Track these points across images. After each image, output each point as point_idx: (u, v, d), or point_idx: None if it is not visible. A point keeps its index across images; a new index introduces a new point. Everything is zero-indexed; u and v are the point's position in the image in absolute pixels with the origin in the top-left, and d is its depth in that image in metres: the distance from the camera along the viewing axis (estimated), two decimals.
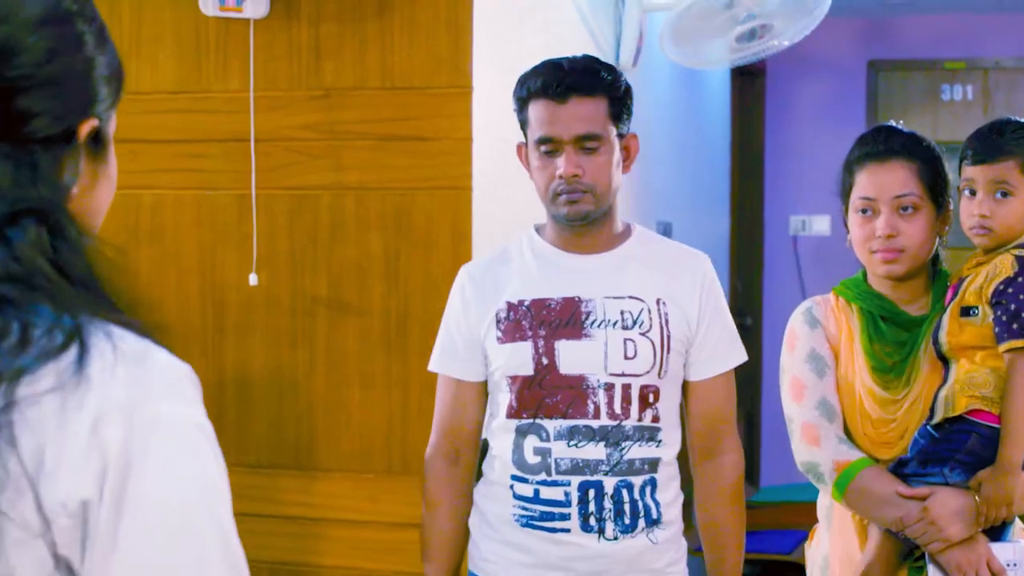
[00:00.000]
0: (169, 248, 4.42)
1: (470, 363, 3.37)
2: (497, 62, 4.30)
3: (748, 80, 9.02)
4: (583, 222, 3.27)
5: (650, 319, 3.26)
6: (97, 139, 1.52)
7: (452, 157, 4.13)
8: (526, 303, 3.29)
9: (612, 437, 3.23)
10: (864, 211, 3.30)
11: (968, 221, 3.24)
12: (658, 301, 3.28)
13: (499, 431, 3.35)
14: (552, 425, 3.24)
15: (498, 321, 3.31)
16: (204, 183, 4.37)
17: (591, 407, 3.23)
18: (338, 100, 4.25)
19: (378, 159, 4.21)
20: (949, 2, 8.80)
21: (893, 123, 3.43)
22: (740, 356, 3.41)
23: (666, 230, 6.39)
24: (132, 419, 1.35)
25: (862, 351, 3.32)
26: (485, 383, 3.39)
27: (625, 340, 3.24)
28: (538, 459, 3.26)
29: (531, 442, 3.28)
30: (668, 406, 3.30)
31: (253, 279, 4.28)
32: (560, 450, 3.24)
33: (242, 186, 4.31)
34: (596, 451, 3.23)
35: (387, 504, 4.24)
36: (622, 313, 3.26)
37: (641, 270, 3.32)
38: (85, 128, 1.50)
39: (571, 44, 5.00)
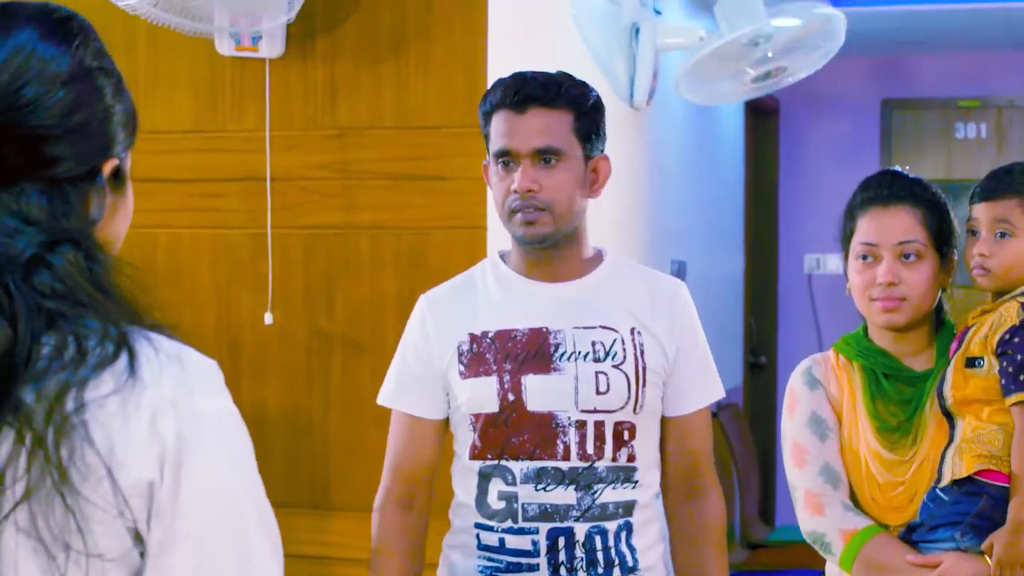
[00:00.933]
0: (185, 287, 4.43)
1: (428, 398, 3.14)
2: None
3: (762, 119, 9.02)
4: (542, 245, 3.04)
5: (624, 350, 3.04)
6: (117, 175, 1.74)
7: (467, 196, 4.14)
8: (490, 335, 3.06)
9: (583, 480, 3.00)
10: (865, 257, 3.19)
11: (970, 261, 3.16)
12: (632, 331, 3.07)
13: (462, 474, 3.12)
14: (518, 467, 3.01)
15: (460, 354, 3.07)
16: (220, 222, 4.38)
17: (560, 447, 2.99)
18: (353, 139, 4.26)
19: (393, 198, 4.22)
20: (962, 40, 8.81)
21: (899, 168, 3.36)
22: (718, 391, 3.21)
23: (680, 269, 6.39)
24: (180, 412, 1.60)
25: (865, 411, 3.18)
26: (444, 421, 3.16)
27: (597, 373, 3.02)
28: (503, 504, 3.02)
29: (496, 485, 3.04)
30: (645, 444, 3.08)
31: (268, 318, 4.28)
32: (527, 494, 3.00)
33: (257, 225, 4.32)
34: (566, 495, 2.99)
35: None
36: (593, 344, 3.03)
37: (613, 298, 3.10)
38: (107, 167, 1.72)
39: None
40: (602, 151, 3.12)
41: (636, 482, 3.06)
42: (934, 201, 3.22)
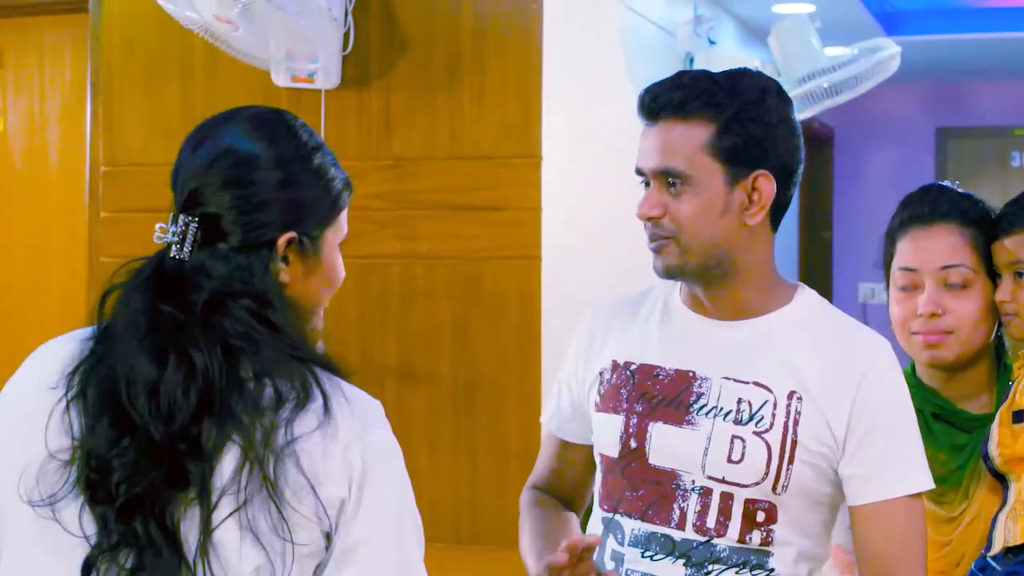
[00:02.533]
0: None
1: (575, 423, 2.75)
2: (566, 131, 4.31)
3: (816, 146, 9.01)
4: (675, 279, 2.59)
5: (773, 416, 2.49)
6: (303, 245, 2.11)
7: (521, 227, 4.14)
8: (633, 367, 2.62)
9: (696, 556, 2.51)
10: (904, 286, 2.78)
11: (1001, 307, 2.74)
12: (791, 395, 2.49)
13: (595, 517, 2.70)
14: (629, 526, 2.57)
15: (600, 382, 2.67)
16: None
17: (676, 513, 2.53)
18: (408, 169, 4.28)
19: (448, 228, 4.23)
20: (1018, 69, 8.77)
21: (947, 183, 2.96)
22: (916, 482, 2.51)
23: None
24: (364, 444, 2.03)
25: None
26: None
27: (733, 437, 2.50)
28: (612, 565, 2.59)
29: (610, 543, 2.61)
30: (794, 532, 2.51)
31: (321, 347, 4.29)
32: (632, 559, 2.56)
33: None
34: (673, 570, 2.52)
35: (456, 573, 4.22)
36: (739, 402, 2.52)
37: (780, 350, 2.54)
38: (282, 240, 2.08)
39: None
40: (769, 166, 2.53)
41: (771, 571, 2.51)
42: (985, 219, 2.80)
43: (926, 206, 2.80)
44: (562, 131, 4.28)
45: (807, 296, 2.62)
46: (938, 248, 2.75)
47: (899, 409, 2.53)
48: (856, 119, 6.48)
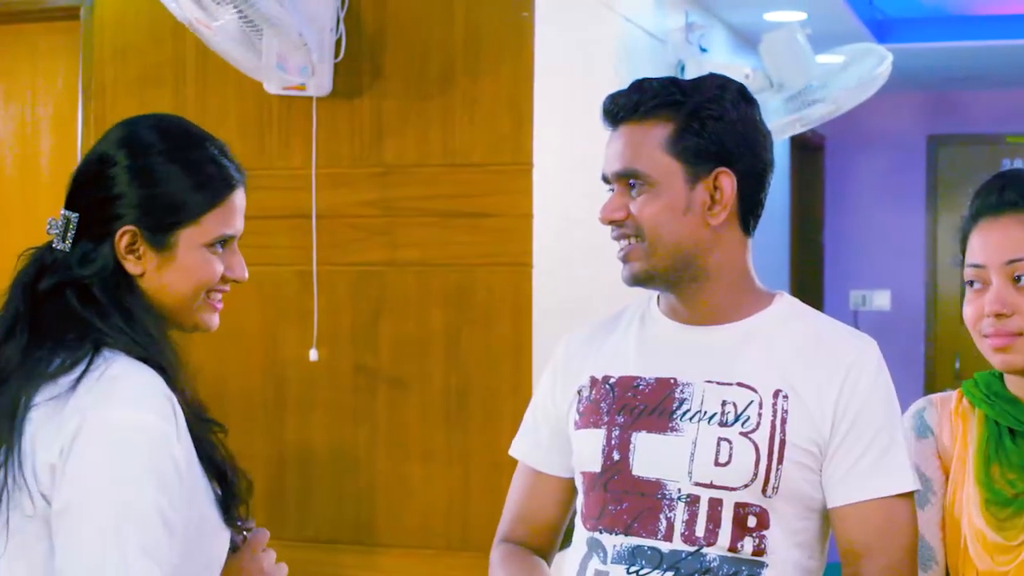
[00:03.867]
0: (231, 323, 4.44)
1: (554, 452, 2.64)
2: (558, 139, 4.32)
3: (808, 154, 9.02)
4: (643, 286, 2.53)
5: (759, 416, 2.41)
6: (151, 240, 2.24)
7: (513, 234, 4.15)
8: (612, 380, 2.54)
9: (685, 568, 2.40)
10: (972, 283, 2.49)
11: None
12: (776, 394, 2.43)
13: (576, 543, 2.57)
14: (612, 542, 2.46)
15: (579, 400, 2.58)
16: (266, 259, 4.40)
17: (663, 524, 2.42)
18: (400, 177, 4.28)
19: (439, 236, 4.23)
20: (1010, 77, 8.78)
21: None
22: (899, 482, 2.43)
23: None
24: (85, 417, 2.09)
25: (974, 475, 2.47)
26: (572, 481, 2.64)
27: (720, 440, 2.41)
28: None
29: (593, 563, 2.49)
30: (786, 538, 2.42)
31: (313, 354, 4.30)
32: None
33: (304, 262, 4.34)
34: None
35: None
36: (723, 404, 2.44)
37: (763, 350, 2.48)
38: (119, 235, 2.23)
39: None
40: (730, 165, 2.48)
41: None
42: None
43: (993, 195, 2.48)
44: (554, 139, 4.28)
45: (788, 301, 2.60)
46: (1005, 240, 2.44)
47: (883, 408, 2.46)
48: (847, 127, 6.49)
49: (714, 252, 2.50)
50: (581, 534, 2.53)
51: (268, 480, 4.39)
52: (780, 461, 2.40)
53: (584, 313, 4.45)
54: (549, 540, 2.70)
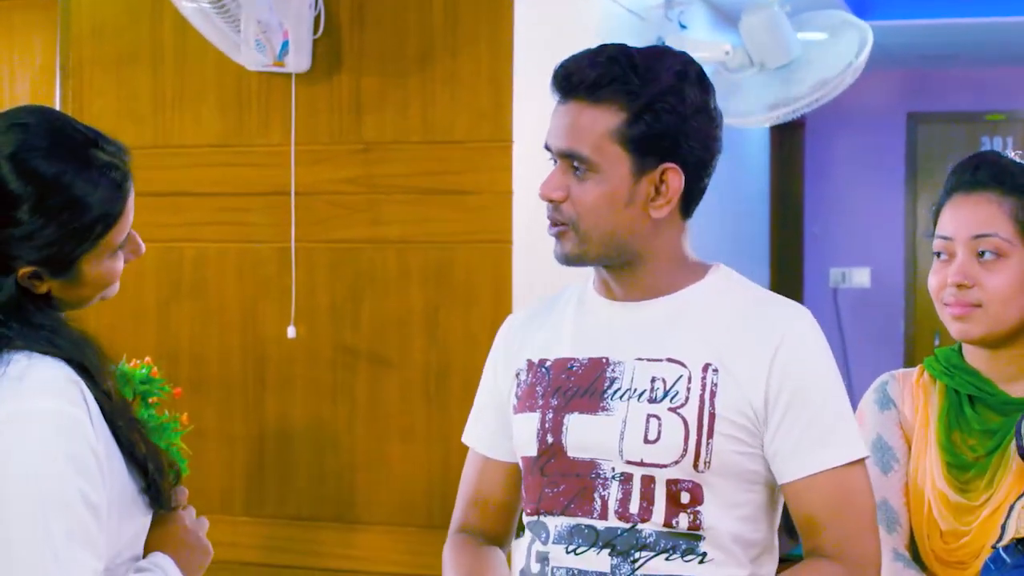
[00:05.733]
0: (211, 301, 4.44)
1: (500, 436, 2.60)
2: (538, 116, 4.29)
3: (787, 132, 9.02)
4: (574, 266, 2.48)
5: (688, 391, 2.37)
6: (59, 272, 2.20)
7: (493, 211, 4.14)
8: (548, 363, 2.50)
9: (620, 544, 2.38)
10: (939, 254, 2.61)
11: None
12: (705, 367, 2.38)
13: (525, 529, 2.57)
14: (553, 524, 2.44)
15: (518, 384, 2.55)
16: (246, 236, 4.39)
17: (597, 503, 2.40)
18: (379, 154, 4.27)
19: (419, 213, 4.23)
20: (990, 54, 8.79)
21: (1001, 150, 2.74)
22: (848, 450, 2.38)
23: None
24: None
25: (936, 441, 2.61)
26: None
27: (648, 416, 2.38)
28: (538, 567, 2.46)
29: (535, 546, 2.48)
30: (723, 513, 2.39)
31: (291, 332, 4.29)
32: (557, 557, 2.43)
33: (283, 239, 4.33)
34: (598, 561, 2.40)
35: (427, 557, 4.22)
36: (652, 381, 2.39)
37: (694, 324, 2.43)
38: (21, 275, 2.18)
39: None
40: (679, 159, 2.41)
41: (703, 556, 2.38)
42: None
43: (967, 173, 2.62)
44: (533, 116, 4.27)
45: (722, 272, 2.51)
46: (973, 216, 2.58)
47: (822, 377, 2.40)
48: (826, 105, 6.50)
49: (651, 240, 2.44)
50: (526, 519, 2.52)
51: (247, 458, 4.39)
52: (710, 435, 2.35)
53: None
54: (504, 525, 2.67)
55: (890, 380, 2.73)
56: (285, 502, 4.37)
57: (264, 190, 4.37)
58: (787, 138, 9.06)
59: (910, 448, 2.66)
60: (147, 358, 3.67)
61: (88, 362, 2.18)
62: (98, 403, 2.17)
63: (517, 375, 2.55)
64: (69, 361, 2.16)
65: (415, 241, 4.24)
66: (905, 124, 9.44)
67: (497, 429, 2.60)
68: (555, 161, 2.46)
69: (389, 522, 4.28)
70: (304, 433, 4.34)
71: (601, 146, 2.38)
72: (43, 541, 2.03)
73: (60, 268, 2.20)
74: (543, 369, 2.50)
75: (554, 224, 2.44)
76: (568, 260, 2.45)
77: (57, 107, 4.62)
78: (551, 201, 2.43)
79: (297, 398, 4.36)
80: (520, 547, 2.54)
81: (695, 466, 2.35)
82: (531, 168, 4.22)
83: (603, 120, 2.38)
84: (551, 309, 2.61)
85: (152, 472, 2.23)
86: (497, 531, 2.66)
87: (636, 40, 5.16)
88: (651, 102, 2.37)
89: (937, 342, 8.58)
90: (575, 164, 2.40)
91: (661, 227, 2.44)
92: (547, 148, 2.47)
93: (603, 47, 2.44)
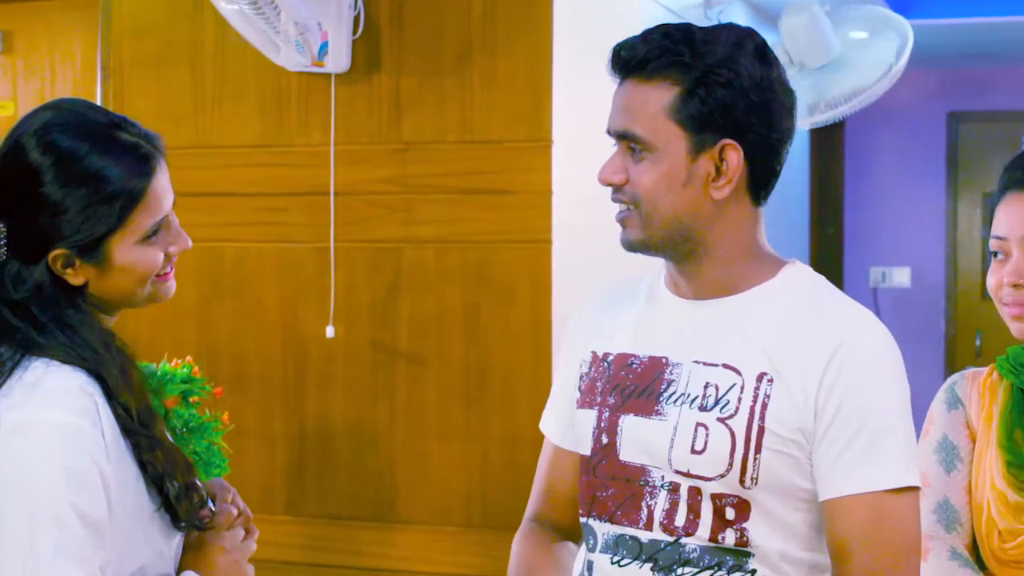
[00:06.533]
0: (251, 300, 4.45)
1: (569, 426, 2.49)
2: (576, 115, 4.30)
3: (827, 132, 8.98)
4: (638, 252, 2.37)
5: (739, 400, 2.24)
6: (83, 256, 2.20)
7: (532, 210, 4.14)
8: (610, 357, 2.40)
9: (664, 559, 2.27)
10: (996, 253, 2.55)
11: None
12: (760, 377, 2.24)
13: None
14: (600, 530, 2.35)
15: (581, 377, 2.45)
16: (285, 236, 4.40)
17: (644, 512, 2.29)
18: (418, 154, 4.27)
19: (458, 212, 4.23)
20: None
21: None
22: (889, 475, 2.20)
23: None
24: (2, 415, 2.08)
25: (996, 440, 2.53)
26: None
27: (697, 425, 2.26)
28: None
29: (583, 552, 2.41)
30: (773, 530, 2.25)
31: (330, 331, 4.30)
32: (601, 568, 2.35)
33: (322, 239, 4.33)
34: (640, 575, 2.30)
35: (466, 556, 4.23)
36: (706, 387, 2.27)
37: (754, 328, 2.29)
38: (51, 258, 2.19)
39: None
40: (738, 136, 2.28)
41: (752, 573, 2.26)
42: None
43: (1018, 171, 2.56)
44: (572, 115, 4.27)
45: (796, 271, 2.37)
46: None
47: (877, 391, 2.22)
48: (866, 104, 6.49)
49: (716, 226, 2.31)
50: (581, 519, 2.43)
51: (287, 457, 4.40)
52: (758, 450, 2.21)
53: None
54: (574, 515, 2.48)
55: (960, 379, 2.66)
56: (325, 501, 4.37)
57: (303, 190, 4.38)
58: (827, 137, 9.03)
59: (975, 445, 2.58)
60: (188, 357, 3.69)
61: (108, 374, 2.17)
62: (115, 416, 2.16)
63: (581, 366, 2.46)
64: (90, 371, 2.16)
65: (454, 240, 4.24)
66: (946, 123, 9.40)
67: (567, 419, 2.50)
68: (615, 146, 2.35)
69: (428, 521, 4.28)
70: (344, 432, 4.35)
71: (655, 124, 2.27)
72: (28, 554, 2.03)
73: (87, 249, 2.20)
74: (605, 363, 2.41)
75: (618, 207, 2.34)
76: (632, 246, 2.35)
77: None
78: (610, 184, 2.32)
79: (337, 397, 4.37)
80: (579, 552, 2.48)
81: (741, 481, 2.22)
82: (570, 168, 4.22)
83: (656, 97, 2.26)
84: (623, 297, 2.50)
85: (169, 491, 2.21)
86: (568, 523, 2.52)
87: None
88: (704, 75, 2.24)
89: (978, 342, 8.55)
90: (631, 145, 2.29)
91: (726, 211, 2.32)
92: (608, 133, 2.35)
93: (661, 25, 2.32)
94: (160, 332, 4.39)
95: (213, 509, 2.37)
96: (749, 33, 2.31)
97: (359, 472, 4.34)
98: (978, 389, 2.62)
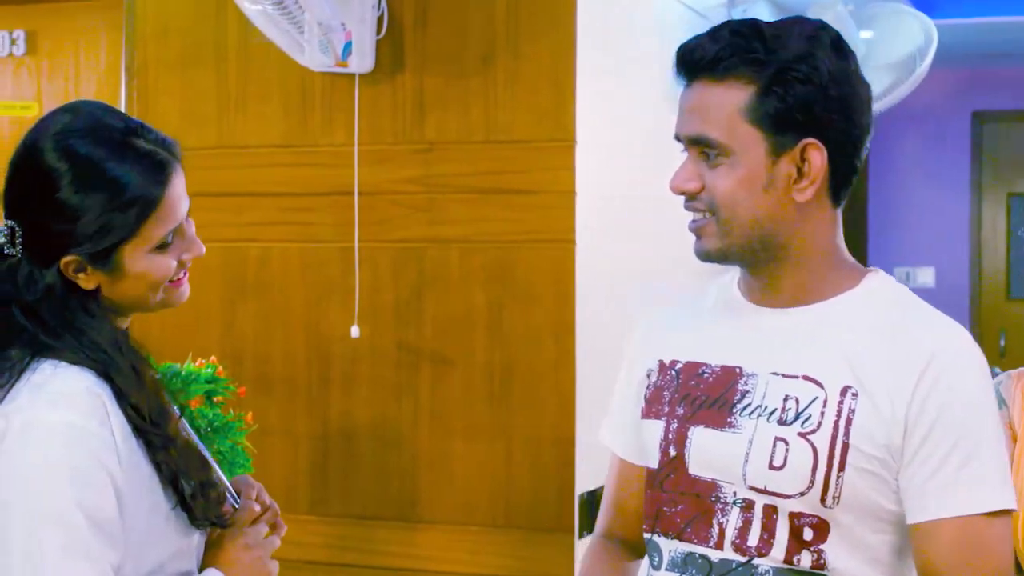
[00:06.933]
0: (275, 300, 4.46)
1: (634, 438, 2.40)
2: (600, 115, 4.30)
3: None
4: (714, 263, 2.26)
5: (822, 415, 2.13)
6: (99, 261, 2.20)
7: (555, 211, 4.14)
8: (679, 365, 2.31)
9: None
10: None
11: None
12: (844, 390, 2.14)
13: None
14: (667, 547, 2.26)
15: (647, 386, 2.36)
16: (309, 236, 4.41)
17: (715, 530, 2.19)
18: (442, 153, 4.27)
19: (481, 212, 4.23)
20: None
21: None
22: (984, 499, 2.10)
23: None
24: (11, 418, 2.10)
25: None
26: None
27: (776, 440, 2.15)
28: None
29: (647, 569, 2.32)
30: (851, 553, 2.15)
31: (355, 331, 4.30)
32: None
33: (346, 239, 4.34)
34: None
35: (490, 556, 4.23)
36: (785, 400, 2.17)
37: (837, 339, 2.19)
38: (63, 264, 2.20)
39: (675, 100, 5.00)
40: (820, 134, 2.18)
41: None
42: None
43: None
44: (596, 115, 4.27)
45: (878, 280, 2.29)
46: None
47: (971, 410, 2.11)
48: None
49: (797, 230, 2.22)
50: (644, 535, 2.34)
51: (311, 457, 4.40)
52: (842, 468, 2.11)
53: (627, 290, 4.45)
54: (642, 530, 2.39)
55: (1004, 379, 2.62)
56: (349, 501, 4.38)
57: (327, 190, 4.38)
58: None
59: (1016, 448, 2.55)
60: (212, 357, 3.70)
61: (117, 375, 2.18)
62: (126, 416, 2.17)
63: (648, 375, 2.36)
64: (99, 372, 2.17)
65: (478, 240, 4.24)
66: (970, 123, 9.38)
67: (631, 430, 2.40)
68: (684, 151, 2.25)
69: (452, 521, 4.28)
70: (367, 432, 4.36)
71: (732, 126, 2.16)
72: (36, 554, 2.05)
73: (100, 256, 2.21)
74: (673, 371, 2.31)
75: (693, 217, 2.23)
76: (708, 256, 2.24)
77: (122, 107, 4.65)
78: (684, 193, 2.21)
79: (360, 397, 4.37)
80: (642, 567, 2.39)
81: (822, 500, 2.12)
82: (593, 168, 4.22)
83: (730, 97, 2.15)
84: (692, 304, 2.41)
85: (184, 490, 2.22)
86: (637, 538, 2.41)
87: None
88: (781, 71, 2.14)
89: (1003, 342, 8.52)
90: (706, 151, 2.19)
91: (808, 215, 2.23)
92: (677, 139, 2.25)
93: (726, 23, 2.22)
94: (184, 332, 4.40)
95: (237, 505, 2.37)
96: (823, 26, 2.22)
97: (382, 472, 4.34)
98: (1022, 388, 2.59)
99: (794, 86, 2.13)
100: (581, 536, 3.94)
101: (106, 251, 2.20)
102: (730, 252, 2.21)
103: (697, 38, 2.19)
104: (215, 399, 3.63)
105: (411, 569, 4.33)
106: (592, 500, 4.05)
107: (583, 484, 4.12)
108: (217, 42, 4.50)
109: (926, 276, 9.11)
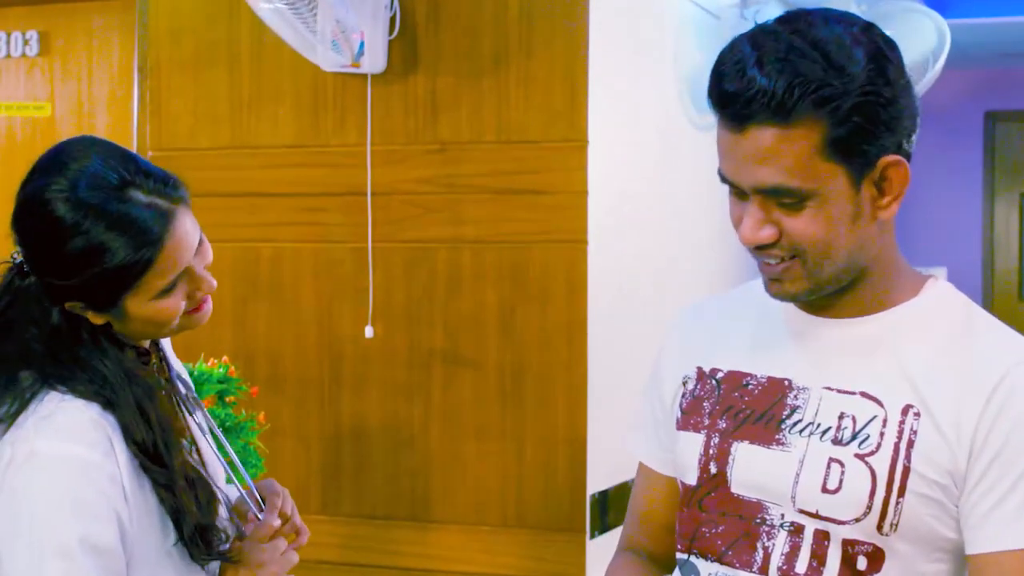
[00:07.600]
0: (288, 301, 4.46)
1: (664, 448, 2.28)
2: (613, 116, 4.30)
3: None
4: (795, 302, 2.10)
5: (881, 435, 1.99)
6: (100, 309, 2.22)
7: (568, 211, 4.14)
8: (720, 375, 2.16)
9: None
10: None
11: None
12: (905, 410, 1.99)
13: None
14: (706, 570, 2.12)
15: (683, 394, 2.22)
16: (322, 236, 4.41)
17: (759, 555, 2.05)
18: (454, 154, 4.28)
19: (494, 212, 4.23)
20: None
21: None
22: None
23: None
24: (16, 448, 2.10)
25: None
26: None
27: (830, 461, 2.00)
28: None
29: None
30: None
31: (369, 332, 4.30)
32: None
33: (359, 239, 4.34)
34: None
35: (502, 556, 4.23)
36: (840, 417, 2.02)
37: (897, 354, 2.04)
38: (69, 307, 2.21)
39: (702, 127, 5.00)
40: (895, 147, 2.02)
41: None
42: None
43: None
44: (608, 115, 4.27)
45: (939, 290, 2.13)
46: None
47: None
48: None
49: (876, 246, 2.07)
50: (677, 555, 2.20)
51: (324, 457, 4.40)
52: (901, 493, 1.97)
53: (640, 291, 4.45)
54: (671, 543, 2.27)
55: None
56: (361, 501, 4.38)
57: (340, 190, 4.38)
58: None
59: None
60: (224, 357, 3.70)
61: (121, 411, 2.18)
62: (131, 452, 2.16)
63: (684, 383, 2.23)
64: (104, 404, 2.17)
65: (490, 241, 4.24)
66: (983, 123, 9.37)
67: (665, 441, 2.27)
68: (737, 193, 2.05)
69: (464, 521, 4.28)
70: (380, 432, 4.36)
71: (811, 169, 1.94)
72: None
73: (102, 306, 2.23)
74: (713, 381, 2.17)
75: (773, 264, 2.03)
76: (794, 298, 2.07)
77: (135, 107, 4.66)
78: (760, 245, 2.01)
79: (373, 397, 4.37)
80: None
81: (879, 527, 1.98)
82: (606, 168, 4.22)
83: (804, 140, 1.93)
84: (732, 309, 2.26)
85: (184, 527, 2.22)
86: (664, 551, 2.31)
87: (710, 38, 5.14)
88: (859, 104, 1.94)
89: None
90: (781, 202, 1.98)
91: (885, 227, 2.09)
92: (725, 181, 2.04)
93: (762, 53, 1.95)
94: (196, 332, 4.36)
95: (260, 516, 2.37)
96: (867, 25, 2.02)
97: (395, 472, 4.35)
98: None
99: (875, 111, 1.95)
100: (593, 536, 3.94)
101: (108, 302, 2.23)
102: (819, 290, 2.06)
103: (742, 72, 1.94)
104: (227, 399, 3.64)
105: (423, 569, 4.33)
106: (604, 500, 4.05)
107: (595, 484, 4.12)
108: (230, 42, 4.51)
109: (938, 276, 9.10)
